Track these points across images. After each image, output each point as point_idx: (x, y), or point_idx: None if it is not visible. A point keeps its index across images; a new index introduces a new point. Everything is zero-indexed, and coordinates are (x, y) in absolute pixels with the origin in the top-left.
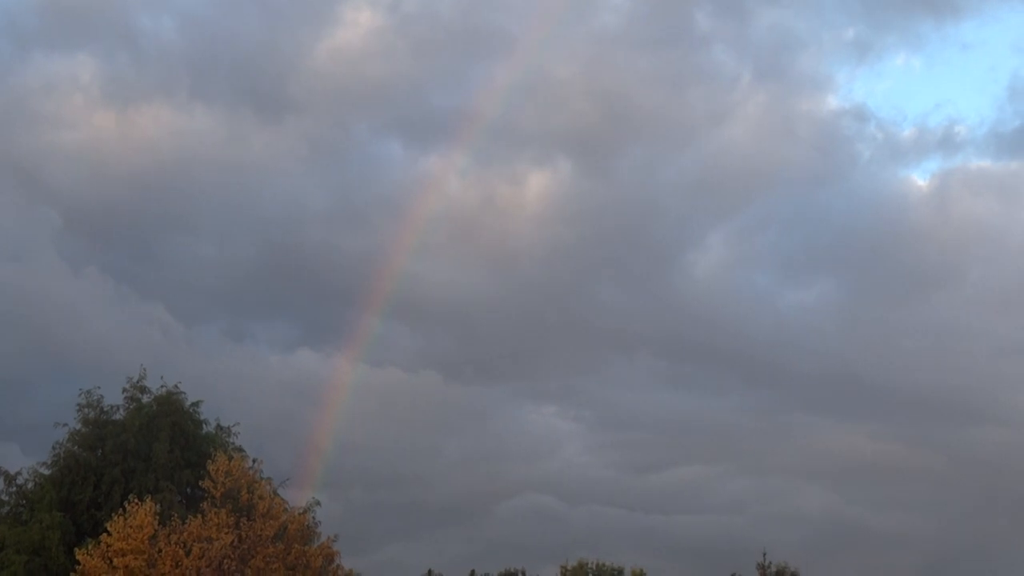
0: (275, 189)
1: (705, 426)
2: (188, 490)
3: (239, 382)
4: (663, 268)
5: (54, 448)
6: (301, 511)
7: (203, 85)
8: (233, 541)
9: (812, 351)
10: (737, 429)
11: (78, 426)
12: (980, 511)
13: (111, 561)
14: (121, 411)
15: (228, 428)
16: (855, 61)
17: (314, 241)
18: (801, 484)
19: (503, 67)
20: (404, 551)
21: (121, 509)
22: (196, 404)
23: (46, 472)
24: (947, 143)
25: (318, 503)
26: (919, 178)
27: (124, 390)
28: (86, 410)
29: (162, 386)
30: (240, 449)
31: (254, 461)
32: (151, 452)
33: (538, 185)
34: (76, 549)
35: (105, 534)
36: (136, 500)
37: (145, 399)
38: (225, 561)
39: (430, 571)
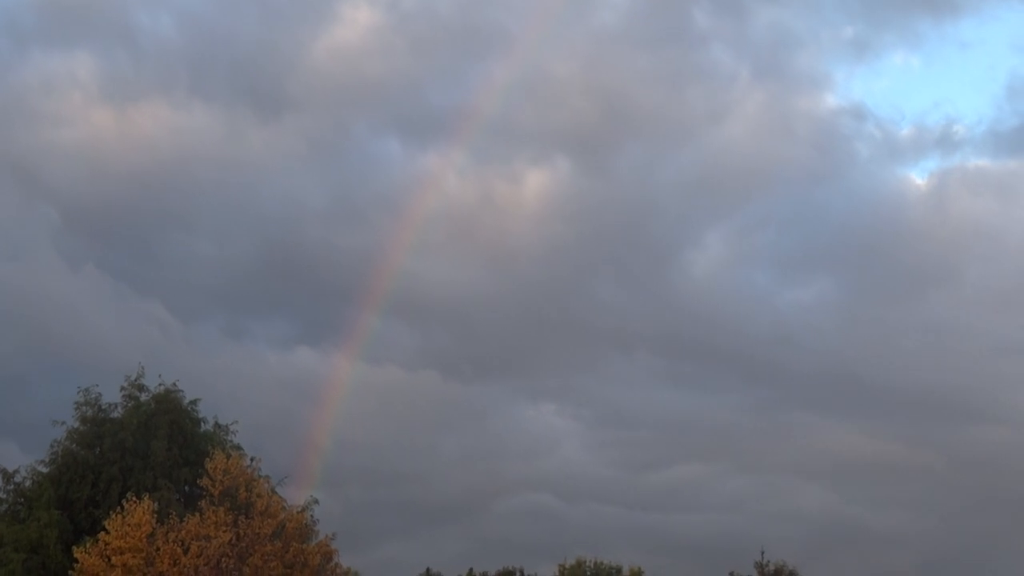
0: (274, 187)
1: (704, 425)
2: (186, 488)
3: (237, 380)
4: (662, 267)
5: (52, 446)
6: (299, 509)
7: (202, 83)
8: (231, 539)
9: (811, 350)
10: (736, 428)
11: (76, 424)
12: (978, 510)
13: (109, 559)
14: (119, 409)
15: (226, 426)
16: (853, 60)
17: (313, 239)
18: (800, 483)
19: (502, 65)
20: (402, 549)
21: (119, 507)
22: (194, 402)
23: (44, 470)
24: (945, 142)
25: (316, 501)
26: (917, 177)
27: (122, 388)
28: (84, 408)
29: (160, 384)
30: (238, 447)
31: (252, 459)
32: (149, 450)
33: (537, 183)
34: (74, 547)
35: (103, 532)
36: (134, 498)
37: (143, 397)
38: (223, 559)
39: (428, 569)
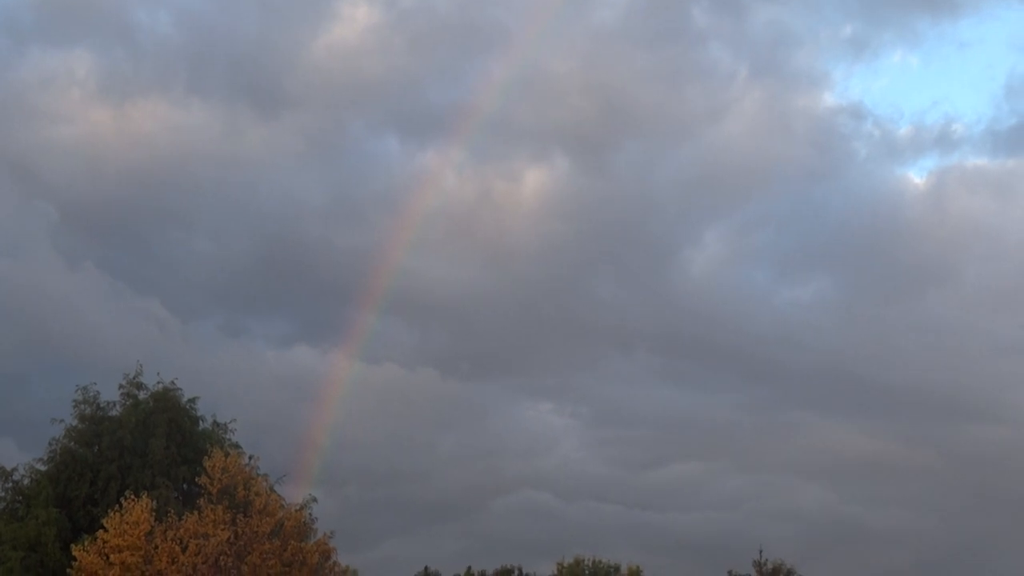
0: (272, 185)
1: (702, 423)
2: (184, 486)
3: (236, 378)
4: (660, 265)
5: (50, 444)
6: (298, 507)
7: (200, 80)
8: (229, 537)
9: (809, 348)
10: (734, 426)
11: (74, 422)
12: (976, 508)
13: (107, 557)
14: (117, 407)
15: (225, 424)
16: (852, 58)
17: (311, 237)
18: (798, 481)
19: (500, 62)
20: (401, 547)
21: (117, 505)
22: (192, 400)
23: (42, 468)
24: (944, 141)
25: (315, 499)
26: (916, 176)
27: (120, 386)
28: (82, 406)
29: (158, 382)
30: (237, 445)
31: (250, 457)
32: (147, 448)
33: (535, 181)
34: (72, 545)
35: (101, 530)
36: (132, 496)
37: (141, 395)
38: (221, 557)
39: (427, 568)
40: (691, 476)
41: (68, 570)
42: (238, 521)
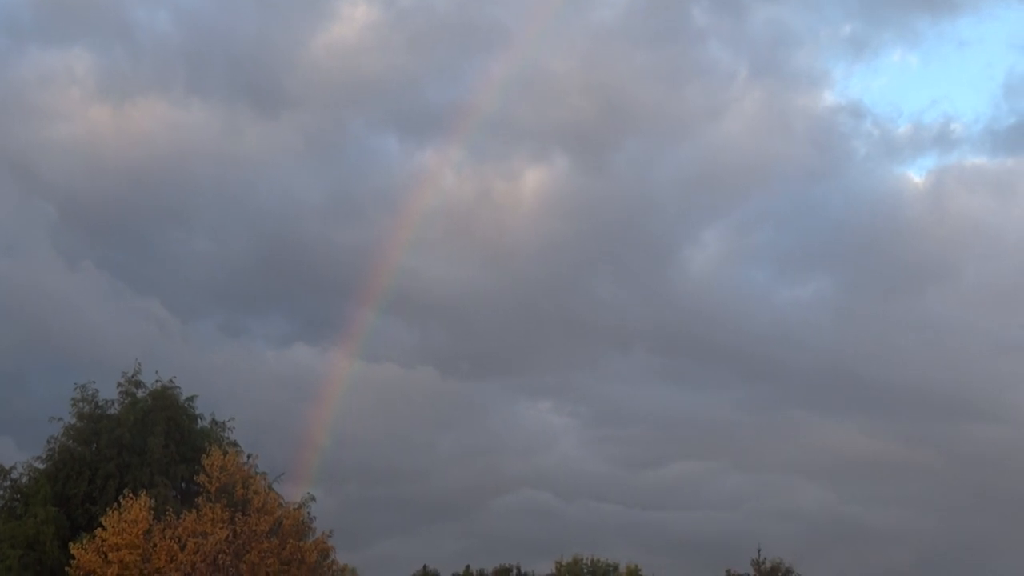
0: (271, 183)
1: (701, 422)
2: (183, 485)
3: (235, 377)
4: (660, 264)
5: (49, 442)
6: (296, 506)
7: (199, 79)
8: (228, 536)
9: (808, 347)
10: (733, 425)
11: (73, 420)
12: (976, 507)
13: (106, 556)
14: (116, 406)
15: (223, 423)
16: (851, 57)
17: (310, 236)
18: (797, 480)
19: (499, 61)
20: (399, 546)
21: (116, 504)
22: (191, 399)
23: (41, 466)
24: (943, 140)
25: (313, 498)
26: (915, 175)
27: (119, 384)
28: (81, 404)
29: (157, 381)
30: (235, 444)
31: (249, 456)
32: (146, 447)
33: (534, 180)
34: (71, 544)
35: (100, 529)
36: (131, 495)
37: (140, 394)
38: (220, 556)
39: (425, 567)
40: (690, 475)
41: (66, 568)
42: (236, 520)
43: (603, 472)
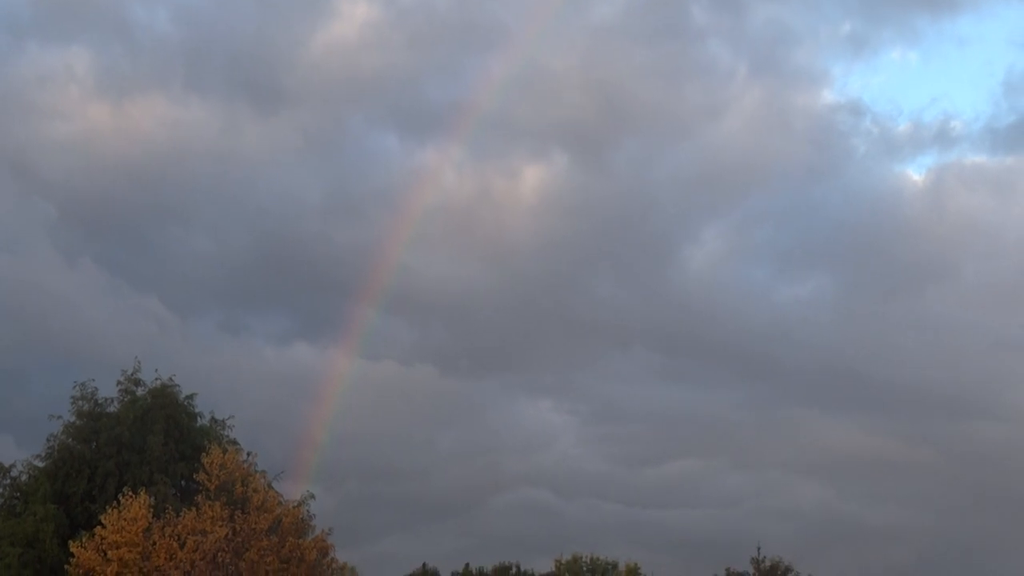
0: (270, 181)
1: (700, 420)
2: (182, 483)
3: (234, 375)
4: (659, 262)
5: (48, 440)
6: (296, 504)
7: (198, 77)
8: (227, 534)
9: (808, 345)
10: (732, 423)
11: (72, 418)
12: (975, 506)
13: (105, 553)
14: (115, 404)
15: (223, 421)
16: (851, 55)
17: (310, 233)
18: (796, 478)
19: (499, 60)
20: (399, 544)
21: (115, 502)
22: (191, 397)
23: (40, 464)
24: (943, 138)
25: (313, 496)
26: (915, 173)
27: (118, 383)
28: (80, 402)
29: (156, 379)
30: (235, 442)
31: (249, 454)
32: (145, 445)
33: (534, 178)
34: (70, 541)
35: (99, 526)
36: (130, 493)
37: (139, 392)
38: (219, 554)
39: (425, 564)
40: (690, 473)
41: (66, 566)
42: (236, 517)
43: (602, 470)
